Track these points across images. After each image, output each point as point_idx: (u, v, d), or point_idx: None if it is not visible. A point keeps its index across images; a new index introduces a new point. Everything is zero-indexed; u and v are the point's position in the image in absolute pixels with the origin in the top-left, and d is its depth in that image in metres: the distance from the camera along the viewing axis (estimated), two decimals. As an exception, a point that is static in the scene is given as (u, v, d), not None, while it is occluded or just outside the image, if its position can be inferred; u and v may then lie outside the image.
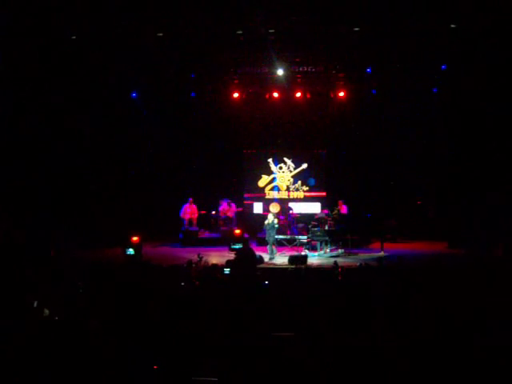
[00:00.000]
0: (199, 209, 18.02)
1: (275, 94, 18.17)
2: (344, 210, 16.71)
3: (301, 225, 17.28)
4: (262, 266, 13.28)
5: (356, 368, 4.89)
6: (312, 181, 19.15)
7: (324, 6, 12.80)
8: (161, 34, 14.18)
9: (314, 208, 18.86)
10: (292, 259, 13.79)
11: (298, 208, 18.42)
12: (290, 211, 17.72)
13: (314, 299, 7.20)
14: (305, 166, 19.32)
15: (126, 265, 12.06)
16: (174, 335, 5.76)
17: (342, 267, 10.60)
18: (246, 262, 10.01)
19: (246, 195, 19.55)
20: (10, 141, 14.97)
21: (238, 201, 18.96)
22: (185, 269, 10.10)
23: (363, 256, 14.85)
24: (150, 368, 5.05)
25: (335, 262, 10.74)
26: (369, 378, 4.78)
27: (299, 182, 19.39)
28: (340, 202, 16.86)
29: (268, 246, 14.80)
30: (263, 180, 19.56)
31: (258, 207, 19.36)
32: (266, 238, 14.89)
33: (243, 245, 12.41)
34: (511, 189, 15.52)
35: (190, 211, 17.74)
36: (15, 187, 15.01)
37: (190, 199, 17.75)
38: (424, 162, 18.24)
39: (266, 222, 14.84)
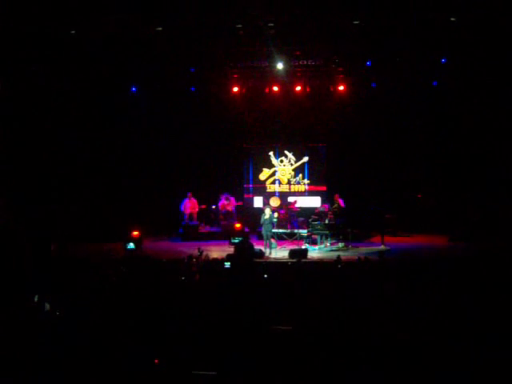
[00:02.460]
0: (200, 203, 18.01)
1: (275, 88, 18.12)
2: (341, 203, 16.73)
3: (301, 219, 17.28)
4: (261, 259, 13.32)
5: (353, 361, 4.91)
6: None
7: (323, -1, 12.80)
8: (160, 28, 14.15)
9: (314, 202, 18.87)
10: (292, 253, 13.82)
11: (298, 202, 18.42)
12: (292, 205, 17.63)
13: (314, 293, 7.23)
14: (306, 159, 19.32)
15: (126, 259, 12.10)
16: (174, 329, 5.79)
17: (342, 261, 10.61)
18: (243, 255, 10.02)
19: (245, 186, 19.57)
20: (10, 135, 14.97)
21: (239, 195, 18.97)
22: (185, 263, 10.12)
23: (364, 250, 14.84)
24: (150, 362, 5.07)
25: (338, 257, 10.74)
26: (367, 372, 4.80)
27: (300, 176, 19.39)
28: (336, 195, 16.89)
29: (266, 241, 14.78)
30: (264, 173, 19.57)
31: (258, 201, 19.36)
32: (263, 233, 14.86)
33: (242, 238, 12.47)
34: (511, 182, 15.56)
35: (190, 206, 17.74)
36: (16, 181, 15.02)
37: (189, 194, 17.72)
38: (424, 155, 18.22)
39: (265, 217, 14.77)
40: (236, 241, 14.50)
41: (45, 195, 15.60)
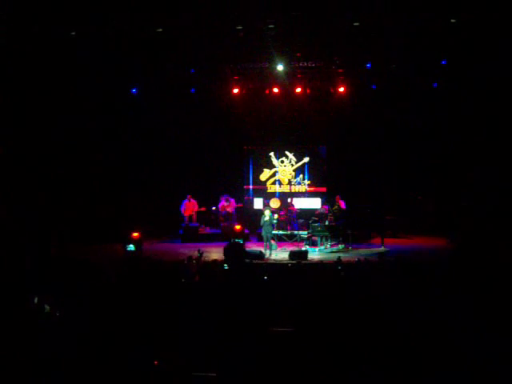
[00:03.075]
0: (200, 205, 17.99)
1: (275, 90, 18.16)
2: (341, 205, 16.73)
3: (301, 220, 17.28)
4: (262, 261, 13.32)
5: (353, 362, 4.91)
6: None
7: (324, 1, 12.77)
8: (160, 30, 14.15)
9: (315, 203, 18.88)
10: (292, 254, 13.81)
11: (298, 203, 18.44)
12: (291, 206, 17.62)
13: (314, 294, 7.22)
14: (306, 159, 19.35)
15: (126, 261, 12.10)
16: (174, 330, 5.78)
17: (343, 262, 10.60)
18: (233, 256, 10.03)
19: (245, 187, 19.57)
20: (10, 135, 14.96)
21: (239, 197, 18.96)
22: (185, 264, 10.11)
23: (364, 251, 14.84)
24: (150, 363, 5.07)
25: (338, 258, 10.74)
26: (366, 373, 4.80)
27: (301, 176, 19.41)
28: (337, 197, 16.91)
29: (266, 242, 14.76)
30: (265, 174, 19.59)
31: (258, 202, 19.37)
32: (263, 234, 14.84)
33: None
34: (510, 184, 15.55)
35: (190, 207, 17.74)
36: (16, 181, 15.01)
37: (188, 196, 17.73)
38: (424, 157, 18.21)
39: (265, 219, 14.74)
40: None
41: (45, 196, 15.58)
